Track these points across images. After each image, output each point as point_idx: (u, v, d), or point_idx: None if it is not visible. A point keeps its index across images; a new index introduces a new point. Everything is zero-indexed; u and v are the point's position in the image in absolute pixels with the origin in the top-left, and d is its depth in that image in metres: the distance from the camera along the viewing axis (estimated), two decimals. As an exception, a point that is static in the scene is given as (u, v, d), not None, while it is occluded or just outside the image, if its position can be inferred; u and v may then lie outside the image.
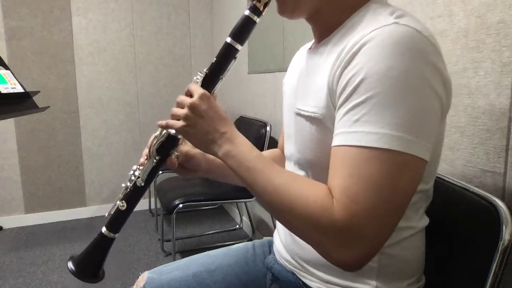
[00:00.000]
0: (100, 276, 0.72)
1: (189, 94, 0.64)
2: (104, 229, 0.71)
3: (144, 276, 0.82)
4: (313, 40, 0.71)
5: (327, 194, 0.50)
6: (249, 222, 2.49)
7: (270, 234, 0.85)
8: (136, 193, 0.71)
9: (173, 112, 0.64)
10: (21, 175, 2.73)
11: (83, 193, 2.91)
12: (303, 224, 0.51)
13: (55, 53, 2.70)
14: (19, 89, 1.29)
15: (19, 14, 2.58)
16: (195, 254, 0.88)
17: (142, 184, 0.70)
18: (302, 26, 1.72)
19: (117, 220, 0.71)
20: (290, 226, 0.55)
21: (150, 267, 0.86)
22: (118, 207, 0.70)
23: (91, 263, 0.72)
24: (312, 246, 0.52)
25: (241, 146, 0.60)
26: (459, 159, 0.89)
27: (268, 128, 2.00)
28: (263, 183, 0.55)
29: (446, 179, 0.76)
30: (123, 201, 0.70)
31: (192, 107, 0.61)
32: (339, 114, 0.52)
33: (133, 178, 0.71)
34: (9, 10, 2.55)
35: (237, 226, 2.74)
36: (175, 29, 3.00)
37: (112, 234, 0.71)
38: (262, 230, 2.38)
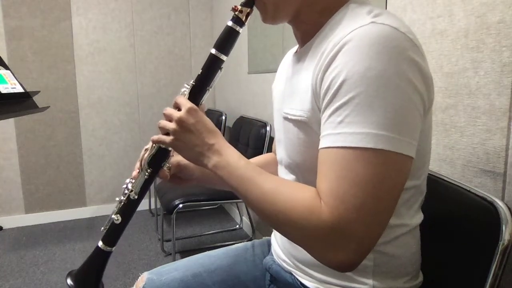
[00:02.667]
0: None
1: (177, 107, 0.65)
2: (100, 243, 0.72)
3: (143, 277, 0.82)
4: (297, 46, 0.72)
5: (314, 196, 0.51)
6: (249, 222, 2.49)
7: (270, 234, 0.85)
8: (130, 206, 0.72)
9: (161, 125, 0.65)
10: (21, 175, 2.73)
11: (83, 193, 2.91)
12: (293, 228, 0.52)
13: (55, 53, 2.70)
14: (19, 89, 1.29)
15: (19, 14, 2.58)
16: (195, 254, 0.88)
17: (136, 197, 0.71)
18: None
19: (112, 234, 0.72)
20: (282, 231, 0.56)
21: (150, 267, 0.86)
22: (113, 221, 0.71)
23: (89, 278, 0.73)
24: (305, 250, 0.52)
25: (229, 156, 0.61)
26: (459, 159, 0.89)
27: (268, 128, 2.00)
28: (252, 191, 0.56)
29: (446, 179, 0.76)
30: (118, 214, 0.71)
31: (180, 122, 0.62)
32: (324, 116, 0.52)
33: (126, 191, 0.72)
34: (9, 10, 2.55)
35: (237, 226, 2.74)
36: (175, 29, 3.00)
37: (108, 248, 0.72)
38: (262, 230, 2.38)
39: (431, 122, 0.60)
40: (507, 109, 0.77)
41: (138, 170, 0.73)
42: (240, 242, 0.92)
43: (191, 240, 2.53)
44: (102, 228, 0.73)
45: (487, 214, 0.62)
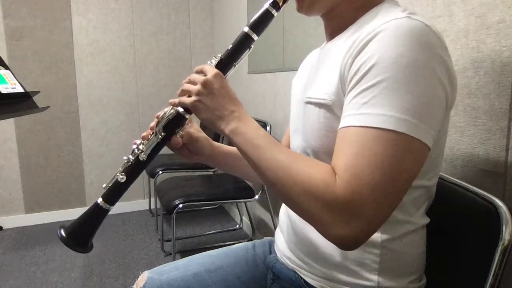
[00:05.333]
0: (88, 248, 0.71)
1: (203, 73, 0.66)
2: (100, 200, 0.70)
3: (144, 276, 0.82)
4: (325, 42, 0.73)
5: (330, 171, 0.51)
6: (249, 222, 2.49)
7: (270, 234, 0.85)
8: (138, 166, 0.71)
9: (185, 87, 0.66)
10: (21, 175, 2.73)
11: (83, 193, 2.91)
12: (305, 199, 0.52)
13: (55, 53, 2.70)
14: (19, 89, 1.29)
15: (19, 14, 2.58)
16: (195, 254, 0.88)
17: (145, 158, 0.70)
18: (302, 26, 1.72)
19: (114, 192, 0.71)
20: (292, 202, 0.55)
21: (150, 267, 0.86)
22: (117, 179, 0.70)
23: (82, 232, 0.71)
24: (312, 223, 0.53)
25: (248, 125, 0.62)
26: (459, 159, 0.89)
27: (268, 128, 2.00)
28: (267, 160, 0.57)
29: (446, 179, 0.76)
30: (123, 173, 0.70)
31: (205, 84, 0.63)
32: (348, 98, 0.53)
33: (136, 151, 0.71)
34: (9, 10, 2.55)
35: (237, 226, 2.74)
36: (175, 29, 3.00)
37: (107, 206, 0.70)
38: (262, 230, 2.38)
39: (447, 126, 0.61)
40: (507, 109, 0.77)
41: (150, 132, 0.72)
42: (240, 242, 0.92)
43: (191, 240, 2.53)
44: (105, 185, 0.71)
45: (487, 214, 0.62)
